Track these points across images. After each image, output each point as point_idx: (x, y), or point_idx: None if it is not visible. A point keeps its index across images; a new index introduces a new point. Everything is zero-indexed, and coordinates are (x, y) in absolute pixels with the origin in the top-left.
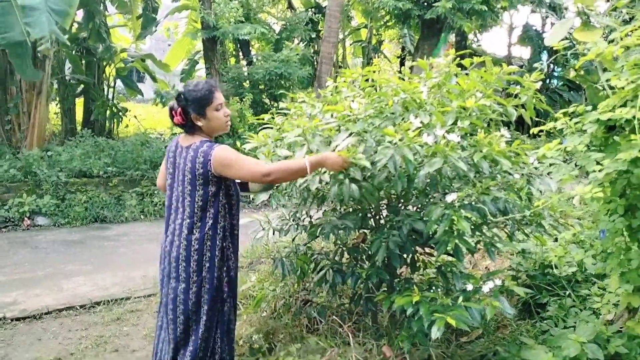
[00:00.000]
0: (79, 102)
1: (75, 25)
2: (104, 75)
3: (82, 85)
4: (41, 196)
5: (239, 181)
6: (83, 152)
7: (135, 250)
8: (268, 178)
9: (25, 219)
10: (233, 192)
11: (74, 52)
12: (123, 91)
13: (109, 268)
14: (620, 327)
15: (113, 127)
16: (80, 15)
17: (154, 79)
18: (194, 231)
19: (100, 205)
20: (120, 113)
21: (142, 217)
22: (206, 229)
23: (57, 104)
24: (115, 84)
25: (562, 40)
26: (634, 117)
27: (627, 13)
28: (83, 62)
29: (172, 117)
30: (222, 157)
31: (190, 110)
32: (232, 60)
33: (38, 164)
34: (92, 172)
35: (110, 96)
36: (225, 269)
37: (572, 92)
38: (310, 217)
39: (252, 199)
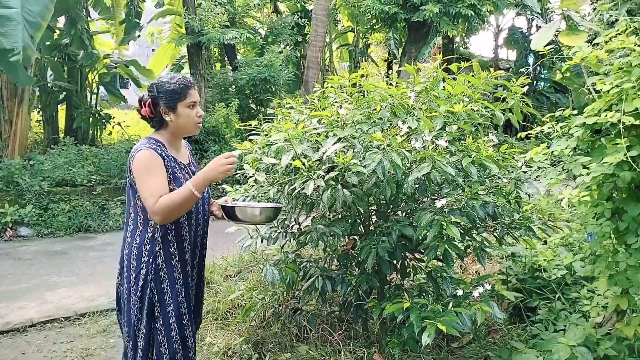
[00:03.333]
0: (62, 109)
1: (57, 32)
2: (86, 81)
3: (64, 93)
4: (24, 206)
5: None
6: (66, 161)
7: None
8: (156, 217)
9: (8, 229)
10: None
11: (55, 58)
12: (106, 98)
13: (94, 279)
14: (610, 330)
15: (96, 135)
16: (62, 21)
17: (138, 84)
18: (128, 233)
19: (84, 215)
20: (104, 120)
21: None
22: (138, 231)
23: (39, 112)
24: (98, 90)
25: (548, 44)
26: (619, 121)
27: (611, 16)
28: (65, 68)
29: (140, 108)
30: (137, 162)
31: (160, 102)
32: (218, 65)
33: (20, 173)
34: (75, 181)
35: (93, 103)
36: (154, 287)
37: (558, 94)
38: (299, 224)
39: None
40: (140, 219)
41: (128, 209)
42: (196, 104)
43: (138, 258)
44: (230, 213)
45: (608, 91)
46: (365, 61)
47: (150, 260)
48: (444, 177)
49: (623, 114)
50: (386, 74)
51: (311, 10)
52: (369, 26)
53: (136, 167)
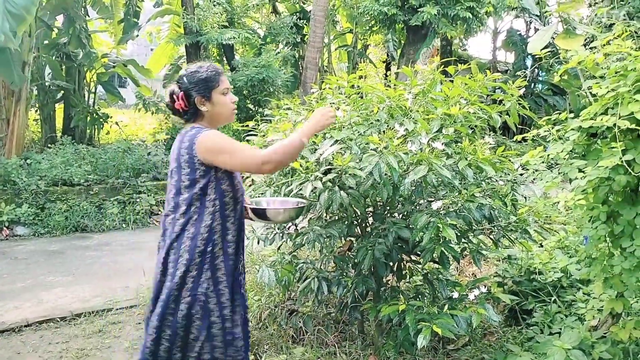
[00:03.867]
0: (59, 108)
1: (55, 31)
2: (84, 81)
3: (62, 92)
4: (20, 205)
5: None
6: (63, 160)
7: (117, 260)
8: (267, 167)
9: (4, 228)
10: (228, 189)
11: (53, 57)
12: (104, 97)
13: (90, 279)
14: (605, 333)
15: (94, 134)
16: (60, 20)
17: (136, 84)
18: (176, 229)
19: (80, 214)
20: (101, 119)
21: (123, 225)
22: (189, 225)
23: (36, 111)
24: (96, 89)
25: (545, 47)
26: (614, 124)
27: (609, 19)
28: (63, 67)
29: (172, 103)
30: (209, 141)
31: (193, 93)
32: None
33: (17, 173)
34: (72, 180)
35: (91, 102)
36: (206, 280)
37: (556, 96)
38: (296, 225)
39: None
40: (194, 208)
41: (177, 203)
42: (229, 90)
43: (191, 249)
44: (259, 214)
45: (604, 95)
46: (364, 62)
47: (208, 249)
48: (440, 179)
49: (619, 118)
50: (384, 76)
51: (310, 11)
52: (367, 27)
53: (212, 145)
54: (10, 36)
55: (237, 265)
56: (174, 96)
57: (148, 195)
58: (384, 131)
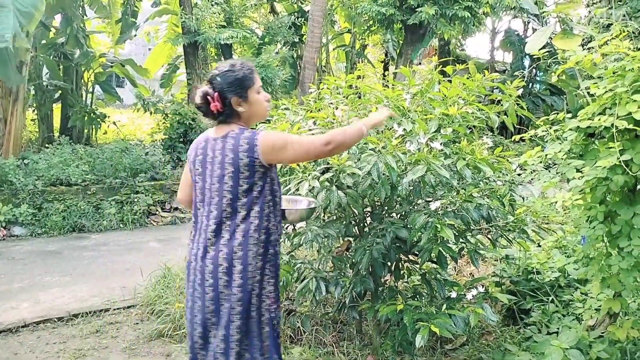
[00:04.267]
0: (57, 108)
1: (53, 30)
2: (82, 80)
3: (59, 91)
4: (17, 205)
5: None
6: (61, 160)
7: (115, 260)
8: (329, 147)
9: (1, 228)
10: (277, 188)
11: (51, 57)
12: (102, 97)
13: (88, 279)
14: (602, 332)
15: (91, 134)
16: (58, 20)
17: (134, 84)
18: (237, 235)
19: (78, 214)
20: (99, 119)
21: (121, 225)
22: (251, 231)
23: (34, 111)
24: (93, 89)
25: (542, 48)
26: (612, 124)
27: (608, 18)
28: (61, 67)
29: (205, 104)
30: (271, 139)
31: (229, 94)
32: (214, 65)
33: (14, 173)
34: (70, 180)
35: (88, 102)
36: (274, 284)
37: (554, 96)
38: (294, 225)
39: None
40: (254, 212)
41: (234, 209)
42: (261, 88)
43: (255, 255)
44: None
45: (602, 95)
46: (362, 62)
47: (270, 251)
48: (438, 179)
49: (616, 118)
50: (382, 76)
51: (308, 10)
52: (365, 27)
53: (275, 141)
54: (22, 35)
55: None
56: (209, 97)
57: (146, 195)
58: (382, 131)
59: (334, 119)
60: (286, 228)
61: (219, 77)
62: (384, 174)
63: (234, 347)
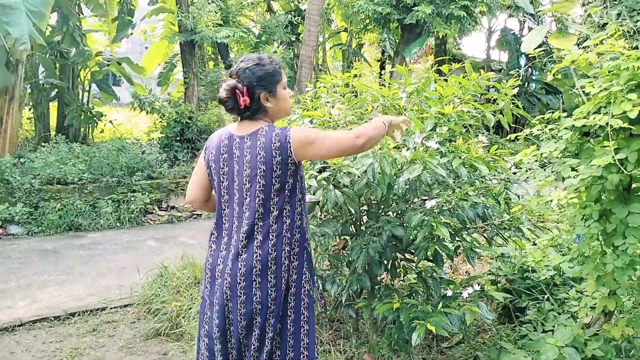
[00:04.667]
0: (53, 106)
1: (49, 29)
2: (78, 79)
3: (56, 90)
4: (14, 204)
5: None
6: (57, 159)
7: (111, 259)
8: (360, 140)
9: None
10: (305, 186)
11: (47, 55)
12: (98, 95)
13: (84, 278)
14: (597, 331)
15: (88, 132)
16: (54, 18)
17: (130, 82)
18: (270, 236)
19: (75, 213)
20: (95, 118)
21: (118, 224)
22: (283, 231)
23: (30, 109)
24: (90, 88)
25: (538, 47)
26: (607, 123)
27: (601, 18)
28: (57, 65)
29: (231, 98)
30: (303, 135)
31: (258, 89)
32: (211, 64)
33: (10, 171)
34: (66, 179)
35: (85, 100)
36: (310, 282)
37: (550, 95)
38: None
39: None
40: (286, 212)
41: (267, 209)
42: (286, 84)
43: (290, 255)
44: None
45: (597, 94)
46: (359, 61)
47: (304, 250)
48: (434, 178)
49: (611, 117)
50: (379, 75)
51: (305, 9)
52: (362, 26)
53: (305, 137)
54: (38, 36)
55: None
56: (237, 91)
57: (142, 194)
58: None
59: (330, 118)
60: None
61: (248, 71)
62: (379, 174)
63: (267, 345)
